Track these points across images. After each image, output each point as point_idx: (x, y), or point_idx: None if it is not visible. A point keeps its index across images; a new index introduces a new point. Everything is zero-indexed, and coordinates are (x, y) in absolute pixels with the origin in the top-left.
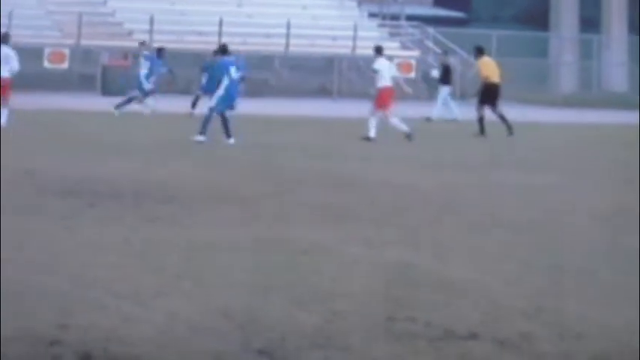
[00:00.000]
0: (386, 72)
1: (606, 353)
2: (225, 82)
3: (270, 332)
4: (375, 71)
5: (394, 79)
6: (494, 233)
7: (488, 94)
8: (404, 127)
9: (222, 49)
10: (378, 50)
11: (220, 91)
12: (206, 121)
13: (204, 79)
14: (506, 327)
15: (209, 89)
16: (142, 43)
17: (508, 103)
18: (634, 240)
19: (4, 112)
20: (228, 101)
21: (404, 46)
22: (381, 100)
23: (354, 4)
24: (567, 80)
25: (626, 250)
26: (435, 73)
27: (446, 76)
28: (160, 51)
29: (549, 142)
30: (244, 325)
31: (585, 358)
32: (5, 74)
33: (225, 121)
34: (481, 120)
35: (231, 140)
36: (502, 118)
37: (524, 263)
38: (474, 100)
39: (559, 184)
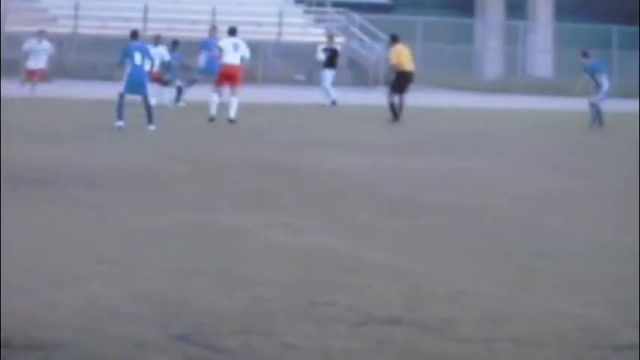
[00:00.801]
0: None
1: (527, 337)
2: (128, 67)
3: (190, 318)
4: (220, 49)
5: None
6: (417, 217)
7: (400, 82)
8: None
9: (133, 34)
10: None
11: (125, 77)
12: (119, 106)
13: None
14: (428, 311)
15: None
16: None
17: (433, 88)
18: (555, 221)
19: None
20: (134, 86)
21: (330, 32)
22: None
23: None
24: (492, 66)
25: (548, 232)
26: (321, 56)
27: (332, 60)
28: (174, 43)
29: (473, 127)
30: (165, 310)
31: (507, 343)
32: None
33: (148, 108)
34: (392, 106)
35: (152, 127)
36: (401, 105)
37: (446, 247)
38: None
39: (482, 167)
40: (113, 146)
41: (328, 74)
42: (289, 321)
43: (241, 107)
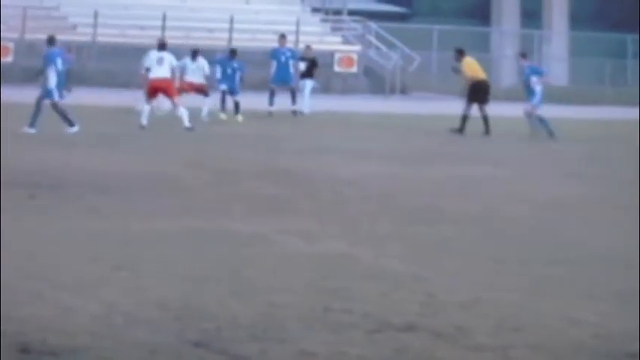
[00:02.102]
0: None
1: (543, 345)
2: (51, 73)
3: (207, 324)
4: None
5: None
6: (433, 225)
7: (478, 93)
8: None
9: (50, 40)
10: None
11: (51, 82)
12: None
13: (218, 74)
14: (444, 319)
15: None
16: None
17: (451, 97)
18: (569, 231)
19: None
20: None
21: (346, 41)
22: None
23: (299, 0)
24: (508, 74)
25: (562, 241)
26: (302, 66)
27: (310, 70)
28: (232, 52)
29: (490, 135)
30: (181, 316)
31: (522, 350)
32: None
33: (61, 112)
34: (465, 118)
35: (74, 129)
36: (485, 118)
37: (461, 255)
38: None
39: (499, 175)
40: (131, 153)
41: (308, 84)
42: (305, 328)
43: (257, 115)
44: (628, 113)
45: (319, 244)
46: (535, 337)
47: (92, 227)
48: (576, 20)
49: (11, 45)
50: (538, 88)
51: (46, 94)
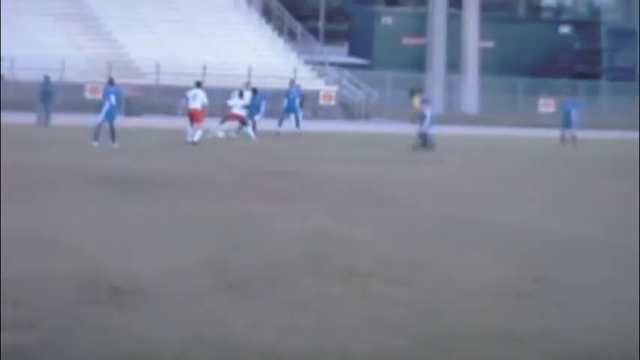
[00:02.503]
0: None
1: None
2: (107, 104)
3: (239, 271)
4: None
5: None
6: (388, 209)
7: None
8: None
9: (109, 81)
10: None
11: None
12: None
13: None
14: (394, 270)
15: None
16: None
17: (400, 121)
18: (497, 215)
19: None
20: (111, 115)
21: (327, 83)
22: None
23: (295, 54)
24: (437, 106)
25: (481, 220)
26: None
27: (301, 103)
28: (254, 90)
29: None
30: (218, 268)
31: (455, 295)
32: None
33: (112, 130)
34: (422, 136)
35: (115, 145)
36: (425, 135)
37: (409, 228)
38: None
39: (437, 175)
40: (179, 160)
41: (300, 112)
42: (301, 275)
43: (268, 134)
44: (519, 132)
45: (308, 221)
46: (436, 278)
47: (156, 209)
48: (483, 68)
49: (101, 86)
50: (429, 113)
51: (103, 117)
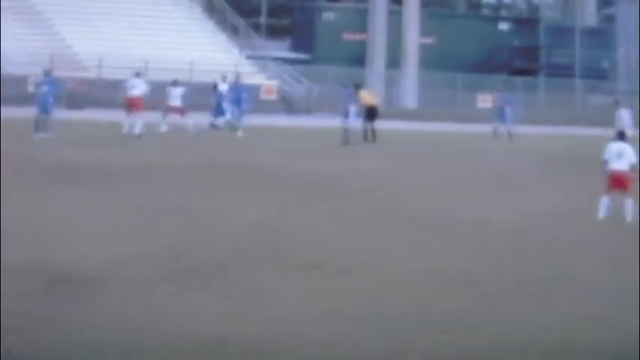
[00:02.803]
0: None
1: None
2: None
3: (180, 262)
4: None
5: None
6: (327, 199)
7: (369, 113)
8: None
9: (46, 73)
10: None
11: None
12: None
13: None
14: (335, 261)
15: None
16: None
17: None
18: (423, 203)
19: None
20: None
21: (268, 78)
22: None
23: (237, 49)
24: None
25: (419, 211)
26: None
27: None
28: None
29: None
30: (157, 259)
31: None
32: None
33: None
34: (365, 132)
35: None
36: (373, 131)
37: (347, 218)
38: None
39: (376, 166)
40: (121, 152)
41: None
42: (242, 266)
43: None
44: (457, 127)
45: (249, 212)
46: (377, 261)
47: (98, 201)
48: (423, 64)
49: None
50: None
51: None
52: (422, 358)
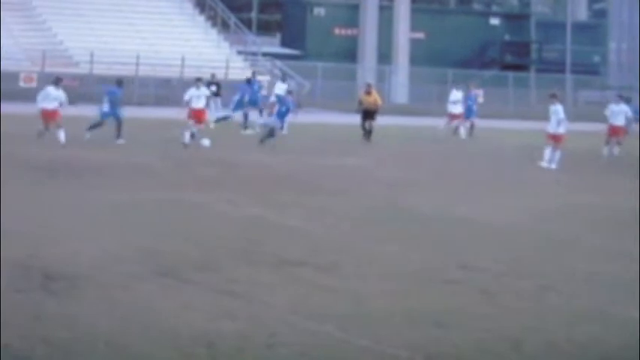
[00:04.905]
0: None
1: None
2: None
3: (171, 258)
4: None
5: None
6: (320, 196)
7: (367, 114)
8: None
9: (118, 82)
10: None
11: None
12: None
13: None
14: (323, 257)
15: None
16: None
17: (329, 111)
18: (410, 200)
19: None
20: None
21: (259, 73)
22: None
23: (227, 44)
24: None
25: (407, 208)
26: (212, 88)
27: (218, 91)
28: (248, 81)
29: (356, 137)
30: (150, 255)
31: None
32: None
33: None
34: (364, 128)
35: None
36: (370, 130)
37: (335, 215)
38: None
39: (363, 164)
40: (115, 149)
41: (217, 100)
42: (233, 262)
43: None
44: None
45: (242, 209)
46: (363, 259)
47: (92, 197)
48: (414, 59)
49: (35, 75)
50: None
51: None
52: (414, 353)
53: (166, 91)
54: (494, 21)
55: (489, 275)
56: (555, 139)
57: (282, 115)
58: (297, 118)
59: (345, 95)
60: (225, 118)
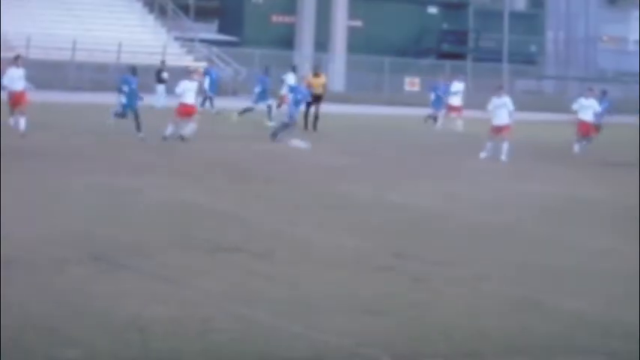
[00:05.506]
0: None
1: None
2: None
3: (100, 244)
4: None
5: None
6: (251, 182)
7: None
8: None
9: (132, 70)
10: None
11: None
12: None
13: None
14: (260, 244)
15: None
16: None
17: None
18: (348, 187)
19: None
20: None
21: (196, 60)
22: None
23: (165, 30)
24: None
25: (343, 195)
26: (165, 75)
27: (161, 78)
28: (266, 71)
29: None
30: (83, 239)
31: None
32: None
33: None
34: (306, 116)
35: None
36: (317, 116)
37: (270, 201)
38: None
39: (301, 150)
40: (48, 132)
41: (161, 87)
42: (165, 249)
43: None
44: (385, 110)
45: (174, 194)
46: (323, 253)
47: (24, 180)
48: (351, 47)
49: None
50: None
51: None
52: (344, 338)
53: (103, 76)
54: (432, 9)
55: (423, 263)
56: (503, 130)
57: (297, 105)
58: (230, 104)
59: (282, 82)
60: (248, 110)
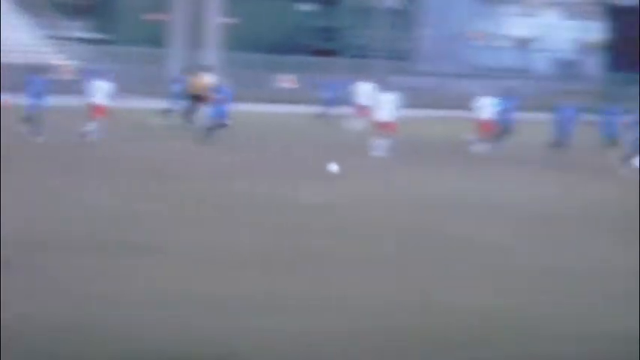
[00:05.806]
0: None
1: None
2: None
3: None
4: None
5: None
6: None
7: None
8: None
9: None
10: None
11: None
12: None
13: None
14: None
15: None
16: None
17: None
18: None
19: None
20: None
21: (68, 58)
22: None
23: (37, 28)
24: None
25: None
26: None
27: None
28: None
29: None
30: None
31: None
32: None
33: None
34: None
35: None
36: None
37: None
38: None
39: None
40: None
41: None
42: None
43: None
44: (257, 107)
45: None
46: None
47: None
48: (225, 44)
49: None
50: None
51: None
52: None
53: None
54: (305, 7)
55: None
56: (387, 127)
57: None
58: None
59: (155, 81)
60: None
